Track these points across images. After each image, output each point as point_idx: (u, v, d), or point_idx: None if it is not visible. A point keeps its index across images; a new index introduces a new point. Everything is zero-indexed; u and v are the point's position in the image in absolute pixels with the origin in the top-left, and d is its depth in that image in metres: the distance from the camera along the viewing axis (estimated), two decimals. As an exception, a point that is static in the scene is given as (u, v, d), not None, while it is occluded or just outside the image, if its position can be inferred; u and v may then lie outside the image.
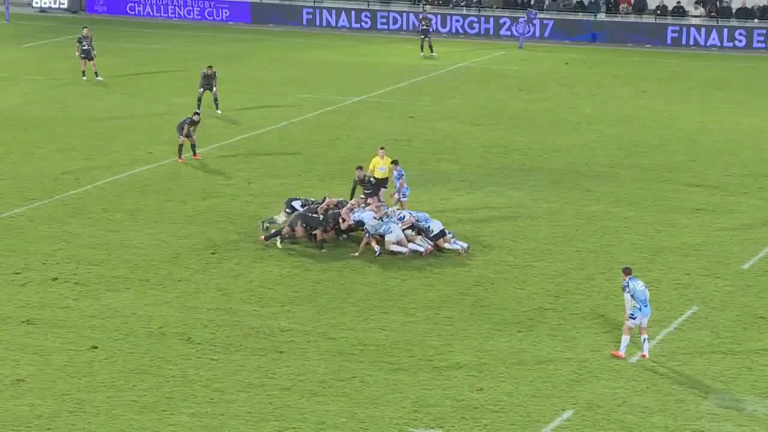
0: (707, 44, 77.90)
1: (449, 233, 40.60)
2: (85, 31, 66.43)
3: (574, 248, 41.49)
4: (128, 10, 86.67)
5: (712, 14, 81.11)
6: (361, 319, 35.18)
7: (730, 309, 36.65)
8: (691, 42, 78.25)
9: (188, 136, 49.38)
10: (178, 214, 43.96)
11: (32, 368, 31.77)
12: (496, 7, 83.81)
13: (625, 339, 32.50)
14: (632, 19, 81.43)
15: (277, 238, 40.37)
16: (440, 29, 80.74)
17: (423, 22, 75.48)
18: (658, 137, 56.02)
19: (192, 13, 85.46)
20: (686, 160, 52.32)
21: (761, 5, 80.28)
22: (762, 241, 42.50)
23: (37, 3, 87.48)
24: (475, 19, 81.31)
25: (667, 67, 72.43)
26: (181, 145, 49.46)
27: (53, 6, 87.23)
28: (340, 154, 52.47)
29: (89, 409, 29.76)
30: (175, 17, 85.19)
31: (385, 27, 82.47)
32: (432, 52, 74.00)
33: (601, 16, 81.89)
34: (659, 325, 35.28)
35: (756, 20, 79.67)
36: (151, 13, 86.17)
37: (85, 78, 65.86)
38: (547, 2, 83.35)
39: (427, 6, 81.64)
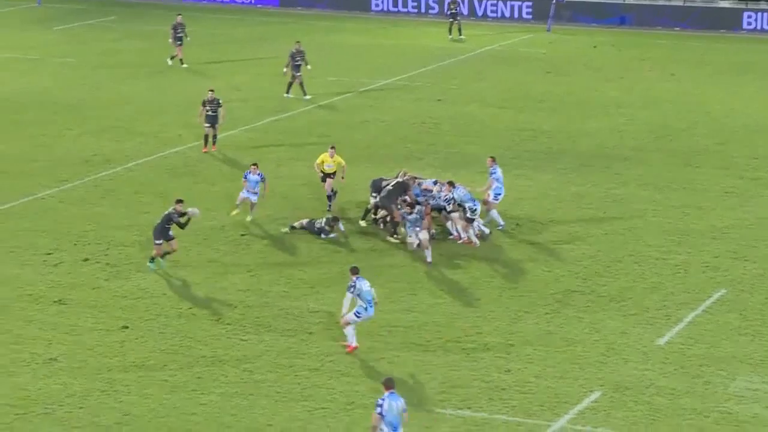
0: (736, 27, 77.53)
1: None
2: (179, 18, 66.40)
3: (602, 231, 41.49)
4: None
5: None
6: (390, 301, 35.21)
7: (758, 292, 36.63)
8: (720, 25, 77.89)
9: (210, 122, 48.97)
10: (207, 196, 44.07)
11: (64, 347, 31.98)
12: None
13: (350, 329, 31.87)
14: (661, 2, 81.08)
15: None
16: (466, 12, 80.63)
17: (452, 6, 75.52)
18: (687, 120, 55.95)
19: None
20: (714, 144, 52.25)
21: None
22: (790, 224, 42.59)
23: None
24: (503, 3, 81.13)
25: (696, 51, 72.28)
26: (206, 135, 49.31)
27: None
28: (367, 137, 52.55)
29: (120, 388, 29.94)
30: (204, 1, 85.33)
31: (415, 11, 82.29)
32: (461, 35, 73.93)
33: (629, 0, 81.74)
34: (687, 308, 35.34)
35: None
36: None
37: (170, 63, 65.87)
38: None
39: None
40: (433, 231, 39.93)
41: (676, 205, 44.01)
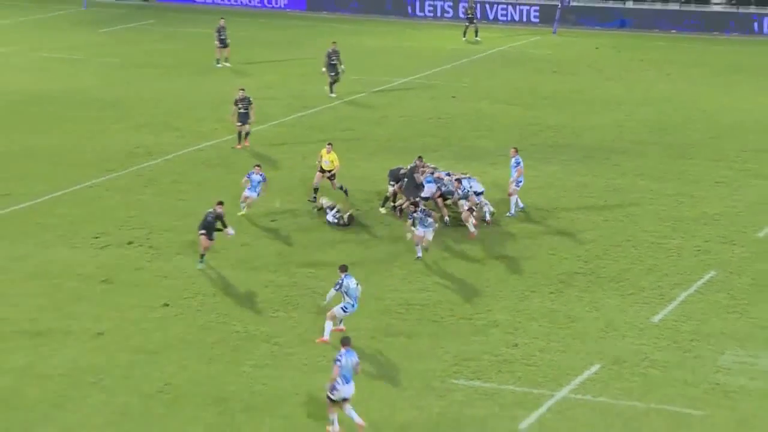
0: (728, 30, 77.43)
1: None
2: (221, 21, 66.07)
3: (602, 218, 41.63)
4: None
5: (734, 1, 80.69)
6: (407, 281, 35.53)
7: (745, 273, 36.75)
8: (715, 27, 77.77)
9: (242, 120, 48.77)
10: (240, 186, 44.27)
11: (110, 323, 32.25)
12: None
13: (329, 325, 31.46)
14: (658, 6, 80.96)
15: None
16: (479, 16, 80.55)
17: (469, 11, 75.56)
18: (682, 116, 55.95)
19: (253, 1, 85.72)
20: (707, 138, 52.28)
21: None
22: (774, 209, 42.77)
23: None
24: (512, 7, 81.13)
25: (691, 52, 72.14)
26: (239, 133, 49.13)
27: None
28: (387, 131, 52.68)
29: (162, 360, 30.22)
30: (237, 5, 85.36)
31: (431, 14, 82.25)
32: (477, 36, 73.75)
33: (630, 4, 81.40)
34: (680, 288, 35.47)
35: (773, 7, 79.40)
36: (216, 1, 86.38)
37: (219, 65, 65.52)
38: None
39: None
40: (447, 218, 40.15)
41: (671, 193, 44.12)
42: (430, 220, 37.13)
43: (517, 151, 42.19)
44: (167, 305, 33.71)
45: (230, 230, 36.57)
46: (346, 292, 31.18)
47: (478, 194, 40.65)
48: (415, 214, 36.96)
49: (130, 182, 45.09)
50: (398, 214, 40.82)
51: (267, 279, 35.45)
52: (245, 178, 40.61)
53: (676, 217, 41.85)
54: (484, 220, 40.60)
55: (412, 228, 37.25)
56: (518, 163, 41.66)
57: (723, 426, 27.74)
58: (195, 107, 56.34)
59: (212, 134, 51.39)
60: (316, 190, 41.73)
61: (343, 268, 31.71)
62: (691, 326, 32.93)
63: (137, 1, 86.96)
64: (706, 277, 36.46)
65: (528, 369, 30.27)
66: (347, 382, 26.67)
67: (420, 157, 41.26)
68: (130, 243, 38.58)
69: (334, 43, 59.36)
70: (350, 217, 40.47)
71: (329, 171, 41.97)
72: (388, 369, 30.09)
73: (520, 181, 41.76)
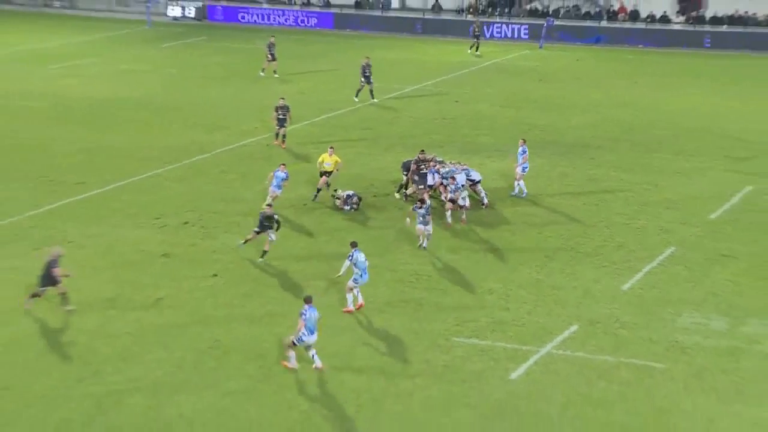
0: (685, 45, 77.16)
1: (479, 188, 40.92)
2: (272, 39, 65.56)
3: (581, 202, 41.57)
4: (239, 18, 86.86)
5: (690, 21, 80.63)
6: (416, 256, 35.50)
7: (700, 250, 36.71)
8: (674, 42, 77.55)
9: (281, 124, 48.21)
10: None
11: (168, 290, 32.38)
12: (522, 16, 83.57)
13: (350, 296, 31.10)
14: (628, 25, 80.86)
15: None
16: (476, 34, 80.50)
17: (477, 29, 75.34)
18: (648, 118, 55.72)
19: (288, 21, 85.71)
20: (670, 136, 52.10)
21: (728, 14, 79.49)
22: (725, 197, 42.40)
23: (171, 13, 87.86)
24: (506, 26, 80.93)
25: (654, 63, 71.82)
26: (276, 133, 48.59)
27: (184, 15, 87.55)
28: (400, 130, 52.60)
29: (211, 322, 30.34)
30: (275, 24, 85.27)
31: (439, 33, 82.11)
32: (477, 51, 73.57)
33: (604, 23, 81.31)
34: (645, 261, 35.46)
35: (725, 26, 78.97)
36: (257, 21, 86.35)
37: (262, 74, 64.90)
38: (561, 12, 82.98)
39: (479, 16, 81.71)
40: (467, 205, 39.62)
41: (638, 182, 43.99)
42: (429, 218, 36.01)
43: (524, 141, 42.21)
44: (216, 276, 33.80)
45: (273, 237, 34.98)
46: (355, 264, 30.79)
47: (476, 182, 40.61)
48: (419, 210, 35.79)
49: (185, 173, 45.11)
50: (405, 200, 40.63)
51: (299, 254, 35.49)
52: (270, 174, 39.75)
53: (642, 202, 41.77)
54: (482, 204, 40.52)
55: (417, 225, 36.08)
56: (524, 152, 41.76)
57: (680, 376, 27.75)
58: (239, 110, 56.28)
59: (254, 132, 51.35)
60: (318, 190, 40.84)
61: (354, 244, 31.21)
62: (654, 293, 32.96)
63: (192, 20, 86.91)
64: (667, 252, 36.43)
65: (518, 329, 30.32)
66: (311, 333, 27.29)
67: (422, 151, 41.18)
68: (185, 223, 38.64)
69: (368, 57, 59.23)
70: (359, 199, 40.43)
71: (329, 173, 41.00)
72: (400, 329, 30.14)
73: (526, 167, 41.81)
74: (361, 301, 31.23)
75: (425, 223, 35.81)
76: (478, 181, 40.68)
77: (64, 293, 30.43)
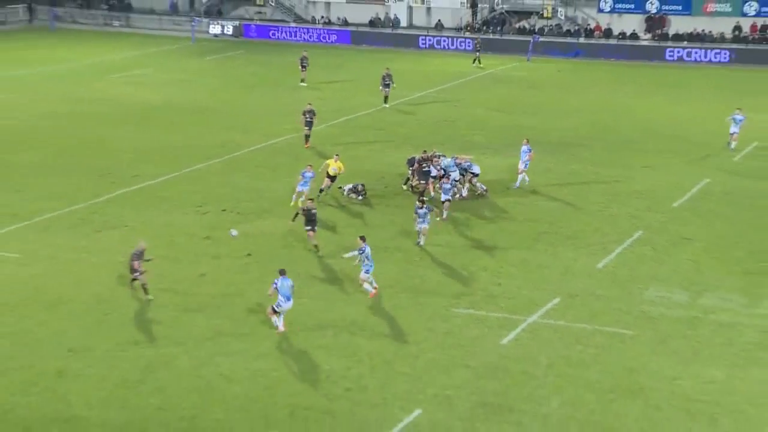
0: (652, 58, 76.94)
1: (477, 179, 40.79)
2: (305, 53, 65.42)
3: (563, 193, 41.40)
4: (270, 35, 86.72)
5: (655, 38, 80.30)
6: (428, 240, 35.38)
7: (664, 233, 36.62)
8: (642, 56, 77.32)
9: (308, 125, 47.71)
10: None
11: (209, 268, 32.40)
12: (513, 33, 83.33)
13: (368, 285, 30.14)
14: (602, 41, 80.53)
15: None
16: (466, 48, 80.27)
17: (477, 46, 75.01)
18: (620, 121, 55.50)
19: (312, 37, 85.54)
20: (638, 136, 51.90)
21: (689, 32, 79.25)
22: (686, 188, 42.24)
23: (212, 30, 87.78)
24: (498, 42, 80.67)
25: (627, 74, 71.54)
26: (306, 135, 48.07)
27: (223, 32, 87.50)
28: (407, 131, 52.40)
29: (246, 294, 30.39)
30: (300, 40, 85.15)
31: (439, 47, 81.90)
32: (480, 64, 72.99)
33: (582, 39, 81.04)
34: (617, 243, 35.42)
35: (685, 42, 78.68)
36: (285, 37, 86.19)
37: (303, 84, 64.16)
38: (545, 30, 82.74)
39: (476, 33, 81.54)
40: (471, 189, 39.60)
41: (612, 175, 43.83)
42: (429, 217, 34.46)
43: (527, 141, 42.21)
44: (249, 255, 33.79)
45: (233, 231, 33.19)
46: (367, 257, 30.07)
47: (475, 175, 40.53)
48: (420, 210, 34.26)
49: (224, 167, 45.05)
50: (411, 191, 40.40)
51: (321, 235, 35.24)
52: (299, 176, 38.47)
53: (614, 192, 41.63)
54: (482, 195, 40.37)
55: (416, 225, 34.61)
56: (529, 150, 41.70)
57: (647, 342, 27.78)
58: (271, 113, 56.21)
59: (283, 133, 51.20)
60: (321, 190, 39.35)
61: (363, 238, 30.46)
62: (624, 271, 32.91)
63: (230, 37, 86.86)
64: (636, 235, 36.33)
65: (508, 301, 30.32)
66: (288, 300, 27.64)
67: (425, 151, 41.03)
68: (223, 210, 38.60)
69: (388, 68, 59.05)
70: (363, 186, 40.10)
71: (334, 177, 39.75)
72: (407, 301, 30.18)
73: (527, 162, 41.67)
74: (375, 284, 30.52)
75: (423, 223, 34.39)
76: (477, 174, 40.61)
77: (144, 284, 29.78)
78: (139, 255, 29.71)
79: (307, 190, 38.19)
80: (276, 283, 27.65)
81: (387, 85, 57.77)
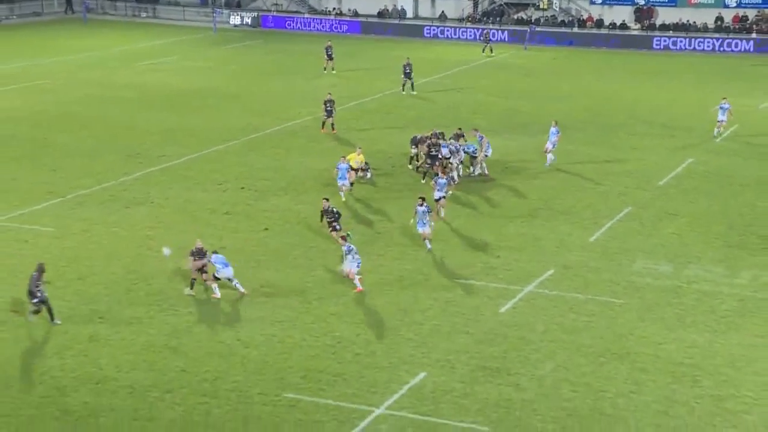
0: (640, 47, 76.51)
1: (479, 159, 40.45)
2: (329, 43, 64.92)
3: (557, 171, 41.24)
4: (286, 26, 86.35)
5: (644, 28, 79.82)
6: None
7: (650, 209, 36.50)
8: (631, 45, 76.91)
9: (329, 114, 46.90)
10: (317, 150, 44.17)
11: (229, 241, 32.29)
12: (511, 24, 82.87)
13: (356, 278, 28.41)
14: (594, 31, 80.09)
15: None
16: (480, 37, 79.92)
17: (486, 35, 74.62)
18: (610, 105, 55.24)
19: (324, 27, 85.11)
20: (626, 119, 51.65)
21: (674, 22, 78.83)
22: (671, 167, 42.07)
23: (233, 21, 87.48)
24: (499, 31, 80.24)
25: (617, 62, 71.09)
26: (323, 121, 47.32)
27: (242, 23, 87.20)
28: (414, 114, 52.16)
29: (263, 266, 30.38)
30: (314, 30, 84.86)
31: (443, 36, 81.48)
32: (492, 52, 72.13)
33: (575, 29, 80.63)
34: (608, 218, 35.34)
35: (671, 32, 78.24)
36: (300, 27, 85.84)
37: (325, 72, 63.34)
38: (541, 21, 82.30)
39: (477, 23, 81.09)
40: (456, 178, 39.00)
41: (602, 155, 43.63)
42: (428, 216, 31.83)
43: (556, 123, 42.19)
44: (266, 229, 33.75)
45: (166, 251, 29.25)
46: (356, 253, 28.45)
47: (473, 158, 40.26)
48: (420, 208, 31.71)
49: (242, 148, 44.95)
50: (416, 171, 40.23)
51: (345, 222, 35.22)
52: (335, 170, 36.79)
53: (605, 171, 41.45)
54: (483, 175, 40.18)
55: (418, 228, 31.92)
56: (557, 132, 41.57)
57: (635, 309, 27.77)
58: (286, 99, 56.06)
59: (297, 116, 51.16)
60: (351, 184, 37.36)
61: (345, 238, 28.96)
62: (614, 244, 32.81)
63: (249, 27, 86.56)
64: (625, 211, 36.19)
65: (506, 272, 30.25)
66: (225, 266, 27.71)
67: (433, 130, 40.67)
68: (242, 188, 38.56)
69: (408, 58, 58.75)
70: (367, 164, 39.39)
71: (357, 169, 38.40)
72: (413, 272, 30.16)
73: (555, 143, 41.46)
74: (359, 285, 28.55)
75: (424, 224, 31.63)
76: (480, 156, 40.35)
77: (193, 279, 28.45)
78: (197, 252, 28.10)
79: (347, 183, 36.53)
80: (210, 259, 27.81)
81: (407, 74, 57.23)
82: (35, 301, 26.28)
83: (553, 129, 41.79)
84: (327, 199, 32.83)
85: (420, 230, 31.77)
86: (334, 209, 32.48)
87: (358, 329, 26.29)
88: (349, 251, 28.56)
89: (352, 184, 37.35)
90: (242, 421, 21.97)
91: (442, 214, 34.53)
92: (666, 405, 22.83)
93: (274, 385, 23.40)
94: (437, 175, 35.68)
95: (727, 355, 25.24)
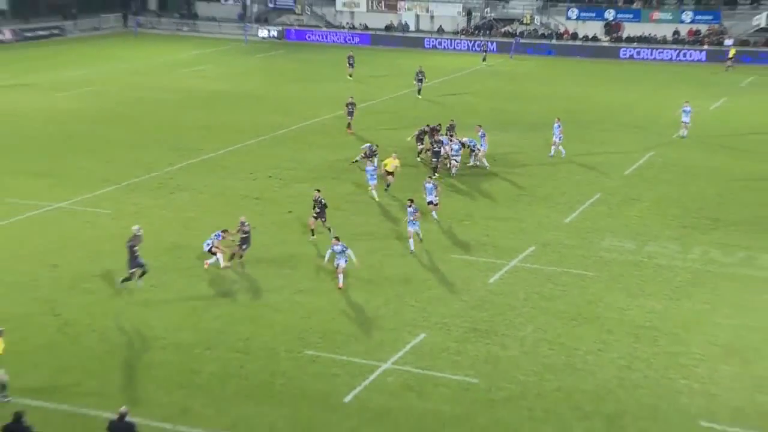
0: (609, 56, 76.23)
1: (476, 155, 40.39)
2: (351, 53, 64.54)
3: (537, 163, 41.24)
4: (307, 38, 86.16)
5: (612, 40, 79.43)
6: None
7: (617, 195, 36.52)
8: (601, 55, 76.63)
9: (350, 114, 46.50)
10: (333, 144, 44.13)
11: (259, 222, 32.13)
12: (499, 36, 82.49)
13: (341, 278, 26.74)
14: (570, 42, 79.79)
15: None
16: (479, 48, 79.64)
17: (484, 45, 74.62)
18: (583, 106, 55.04)
19: (339, 39, 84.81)
20: (597, 117, 51.57)
21: (638, 35, 78.48)
22: (635, 159, 42.04)
23: (261, 34, 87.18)
24: (489, 42, 79.88)
25: (589, 69, 70.92)
26: (348, 123, 46.71)
27: (269, 36, 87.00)
28: (415, 113, 51.83)
29: (288, 243, 30.30)
30: (330, 42, 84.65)
31: (441, 46, 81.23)
32: (485, 61, 72.09)
33: (554, 41, 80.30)
34: (580, 203, 35.34)
35: (635, 43, 77.90)
36: (319, 39, 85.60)
37: (350, 78, 62.88)
38: (525, 32, 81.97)
39: (469, 36, 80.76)
40: (455, 170, 38.72)
41: (576, 149, 43.34)
42: (417, 215, 29.80)
43: (559, 119, 42.09)
44: (290, 212, 33.80)
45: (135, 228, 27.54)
46: (348, 251, 26.71)
47: (472, 150, 39.94)
48: (409, 209, 29.78)
49: (269, 142, 44.89)
50: (421, 161, 40.25)
51: (348, 198, 35.29)
52: (366, 173, 35.57)
53: (578, 163, 41.40)
54: (476, 166, 40.06)
55: (408, 227, 30.03)
56: (559, 126, 41.47)
57: (603, 280, 27.88)
58: (307, 101, 55.94)
59: (316, 115, 51.11)
60: (388, 185, 36.35)
61: (337, 238, 27.02)
62: (586, 224, 32.87)
63: (275, 39, 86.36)
64: (595, 197, 36.23)
65: (494, 248, 30.33)
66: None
67: (439, 124, 40.84)
68: (269, 177, 38.58)
69: (421, 66, 58.60)
70: (371, 151, 38.91)
71: (392, 172, 36.68)
72: (416, 249, 30.08)
73: (561, 137, 41.32)
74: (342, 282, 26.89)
75: (413, 224, 29.73)
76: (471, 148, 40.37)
77: (232, 255, 28.22)
78: (241, 228, 27.85)
79: (375, 183, 35.09)
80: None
81: (420, 80, 56.97)
82: (134, 268, 26.06)
83: (555, 124, 41.74)
84: (318, 191, 31.13)
85: (410, 229, 29.71)
86: (323, 201, 30.52)
87: (367, 296, 26.43)
88: (342, 251, 26.65)
89: (389, 185, 35.98)
90: (270, 373, 22.19)
91: (435, 215, 32.55)
92: (628, 360, 23.02)
93: (296, 344, 23.59)
94: (431, 176, 35.37)
95: (680, 318, 25.38)
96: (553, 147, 41.78)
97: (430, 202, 32.48)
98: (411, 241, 29.67)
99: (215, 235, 28.15)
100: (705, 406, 21.03)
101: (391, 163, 36.76)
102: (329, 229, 30.16)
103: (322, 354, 23.00)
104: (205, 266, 28.03)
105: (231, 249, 28.29)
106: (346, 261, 26.70)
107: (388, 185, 36.26)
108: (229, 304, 25.92)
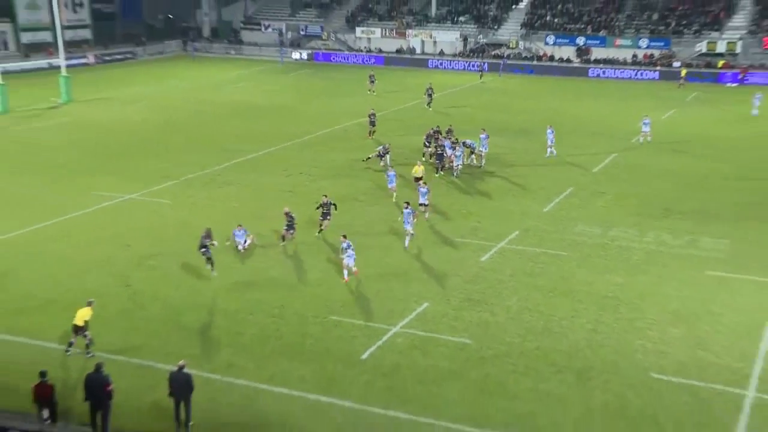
0: (581, 75, 75.72)
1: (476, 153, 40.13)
2: (372, 73, 63.87)
3: (522, 163, 40.98)
4: (331, 59, 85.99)
5: (583, 61, 78.75)
6: (435, 195, 35.03)
7: (586, 189, 36.28)
8: (574, 74, 76.13)
9: (371, 124, 46.01)
10: (352, 147, 44.01)
11: (292, 206, 31.98)
12: (490, 58, 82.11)
13: (346, 272, 25.21)
14: (548, 63, 79.25)
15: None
16: (476, 68, 79.23)
17: (481, 66, 74.44)
18: (560, 116, 54.37)
19: (358, 60, 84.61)
20: (571, 126, 50.92)
21: (604, 58, 77.96)
22: (602, 159, 41.75)
23: (294, 56, 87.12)
24: (484, 63, 79.54)
25: (564, 85, 70.47)
26: (370, 131, 45.85)
27: (301, 57, 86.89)
28: (421, 122, 51.44)
29: (308, 229, 30.18)
30: (351, 62, 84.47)
31: (441, 66, 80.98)
32: (481, 79, 71.68)
33: (535, 62, 79.77)
34: (556, 195, 35.16)
35: (601, 64, 77.39)
36: (342, 61, 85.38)
37: (371, 93, 62.12)
38: (511, 55, 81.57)
39: (467, 57, 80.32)
40: (457, 171, 37.95)
41: (559, 153, 42.84)
42: (412, 217, 28.28)
43: (551, 126, 41.92)
44: (319, 204, 33.56)
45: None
46: (352, 248, 25.15)
47: (472, 151, 39.72)
48: (405, 210, 28.32)
49: (300, 146, 44.75)
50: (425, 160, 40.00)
51: (365, 192, 35.20)
52: (386, 176, 34.27)
53: (555, 162, 41.18)
54: (471, 164, 39.85)
55: (404, 226, 28.38)
56: (552, 132, 41.25)
57: (575, 259, 27.81)
58: (330, 112, 55.75)
59: (337, 123, 50.97)
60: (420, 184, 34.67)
61: (345, 236, 25.49)
62: (561, 213, 32.75)
63: (306, 61, 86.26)
64: (568, 190, 36.05)
65: (485, 233, 30.31)
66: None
67: (438, 126, 40.94)
68: (300, 173, 38.49)
69: (431, 82, 58.20)
70: (384, 149, 38.83)
71: (419, 179, 35.33)
72: (419, 235, 30.04)
73: (553, 140, 41.22)
74: (354, 269, 25.58)
75: (409, 223, 28.19)
76: (470, 147, 40.10)
77: (282, 237, 27.52)
78: (287, 216, 27.57)
79: (394, 186, 33.62)
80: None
81: (430, 95, 56.66)
82: (205, 250, 25.46)
83: (548, 130, 41.58)
84: (326, 196, 29.42)
85: (406, 227, 28.19)
86: (331, 203, 29.01)
87: (381, 271, 26.49)
88: (348, 247, 25.02)
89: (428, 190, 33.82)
90: (301, 335, 22.35)
91: (427, 216, 31.03)
92: (595, 325, 23.06)
93: (323, 311, 23.72)
94: (425, 181, 34.16)
95: (637, 290, 25.37)
96: (548, 149, 41.76)
97: (422, 204, 31.20)
98: (407, 238, 28.11)
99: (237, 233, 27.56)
100: (656, 362, 21.10)
101: (418, 169, 35.06)
102: (320, 231, 28.74)
103: (344, 319, 23.10)
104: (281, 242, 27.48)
105: (279, 233, 28.21)
106: (352, 259, 24.82)
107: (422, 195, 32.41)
108: (267, 277, 26.05)
